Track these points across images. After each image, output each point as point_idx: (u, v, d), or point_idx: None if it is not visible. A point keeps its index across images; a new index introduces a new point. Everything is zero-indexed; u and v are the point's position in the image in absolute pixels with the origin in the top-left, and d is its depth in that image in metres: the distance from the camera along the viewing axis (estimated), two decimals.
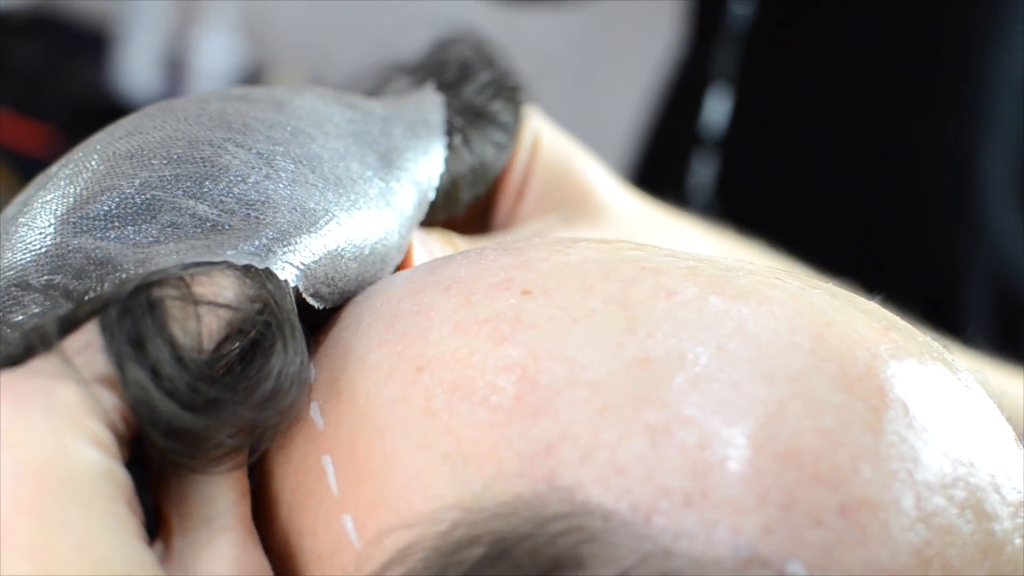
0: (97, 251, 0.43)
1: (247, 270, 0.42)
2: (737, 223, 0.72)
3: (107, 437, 0.38)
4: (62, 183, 0.46)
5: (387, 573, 0.38)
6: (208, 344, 0.40)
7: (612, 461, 0.37)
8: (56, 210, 0.45)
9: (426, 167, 0.50)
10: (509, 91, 0.55)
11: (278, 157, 0.46)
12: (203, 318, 0.40)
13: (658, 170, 1.30)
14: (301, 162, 0.46)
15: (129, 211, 0.44)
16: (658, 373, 0.39)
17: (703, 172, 1.21)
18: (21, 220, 0.45)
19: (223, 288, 0.41)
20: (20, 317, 0.42)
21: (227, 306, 0.41)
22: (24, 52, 2.22)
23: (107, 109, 1.98)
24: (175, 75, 2.25)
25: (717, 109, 1.21)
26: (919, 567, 0.37)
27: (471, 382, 0.40)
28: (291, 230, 0.44)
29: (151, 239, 0.43)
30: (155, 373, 0.39)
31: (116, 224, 0.43)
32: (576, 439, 0.38)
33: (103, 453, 0.38)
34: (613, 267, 0.42)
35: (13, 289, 0.43)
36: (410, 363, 0.41)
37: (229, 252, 0.42)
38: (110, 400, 0.38)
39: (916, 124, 1.14)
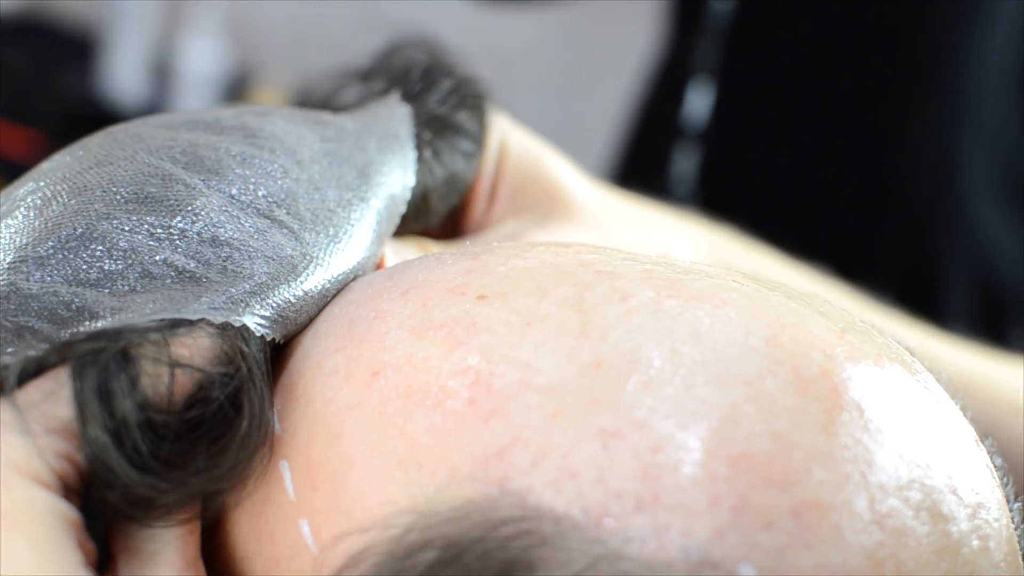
0: (73, 296, 0.42)
1: (224, 328, 0.42)
2: (718, 215, 0.72)
3: (52, 479, 0.39)
4: (31, 214, 0.45)
5: None
6: (176, 407, 0.40)
7: (564, 465, 0.37)
8: (23, 244, 0.44)
9: (399, 180, 0.50)
10: (472, 99, 0.55)
11: (251, 200, 0.45)
12: (177, 380, 0.40)
13: (641, 162, 1.31)
14: (276, 204, 0.46)
15: (105, 256, 0.43)
16: (611, 377, 0.38)
17: (685, 164, 1.21)
18: None
19: (200, 349, 0.41)
20: None
21: (201, 369, 0.41)
22: (12, 58, 2.22)
23: (95, 115, 1.98)
24: (162, 80, 2.25)
25: (698, 102, 1.21)
26: (872, 569, 0.37)
27: (425, 386, 0.40)
28: (268, 282, 0.44)
29: (127, 287, 0.42)
30: (118, 434, 0.39)
31: (93, 270, 0.43)
32: (528, 443, 0.38)
33: (48, 491, 0.38)
34: (569, 271, 0.42)
35: None
36: (365, 368, 0.41)
37: (206, 305, 0.42)
38: (64, 447, 0.39)
39: (897, 117, 1.14)
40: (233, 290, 0.43)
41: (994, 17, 1.12)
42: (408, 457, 0.39)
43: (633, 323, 0.40)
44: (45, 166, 0.47)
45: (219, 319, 0.42)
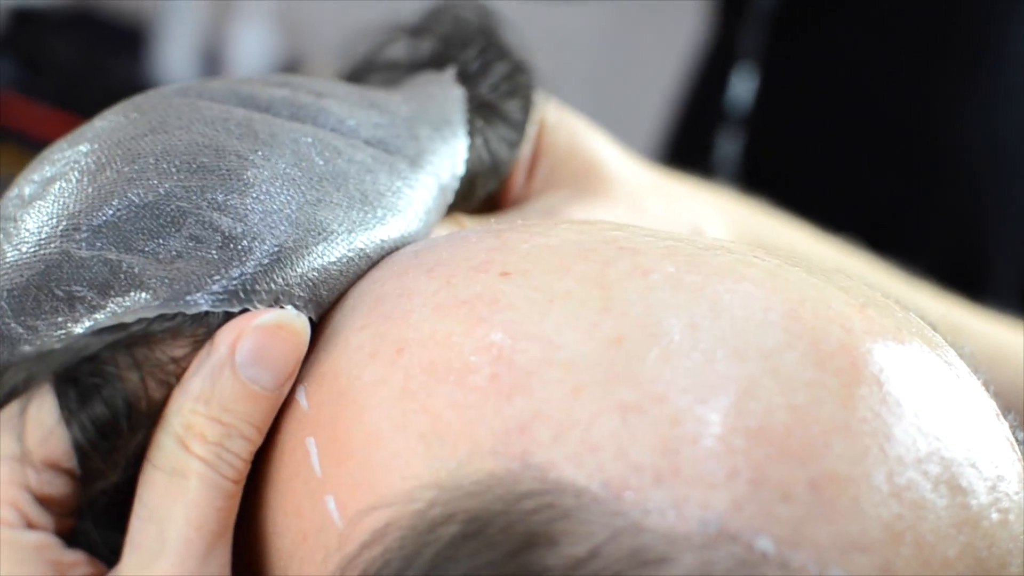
0: (122, 264, 0.43)
1: (226, 317, 0.43)
2: (761, 198, 0.73)
3: (10, 514, 0.40)
4: (85, 179, 0.45)
5: (366, 552, 0.39)
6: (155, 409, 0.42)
7: (585, 439, 0.38)
8: (76, 210, 0.44)
9: (449, 168, 0.50)
10: (524, 88, 0.56)
11: (302, 175, 0.46)
12: (147, 384, 0.42)
13: (686, 146, 1.31)
14: (327, 180, 0.46)
15: (155, 222, 0.44)
16: (631, 352, 0.39)
17: (728, 148, 1.21)
18: (30, 213, 0.45)
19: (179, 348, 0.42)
20: (42, 324, 0.43)
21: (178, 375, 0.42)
22: (63, 48, 2.24)
23: None
24: (211, 69, 2.26)
25: (743, 87, 1.21)
26: (890, 541, 0.37)
27: (448, 363, 0.40)
28: (303, 252, 0.44)
29: (174, 254, 0.43)
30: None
31: (141, 235, 0.43)
32: (549, 418, 0.38)
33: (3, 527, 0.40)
34: (591, 248, 0.43)
35: (33, 290, 0.43)
36: (390, 345, 0.42)
37: (216, 287, 0.43)
38: (18, 476, 0.41)
39: (941, 101, 1.13)
40: (261, 258, 0.44)
41: None
42: (431, 432, 0.39)
43: (653, 298, 0.40)
44: (99, 125, 0.48)
45: (220, 308, 0.43)
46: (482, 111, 0.53)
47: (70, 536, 0.42)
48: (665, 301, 0.40)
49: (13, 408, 0.41)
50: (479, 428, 0.39)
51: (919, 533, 0.37)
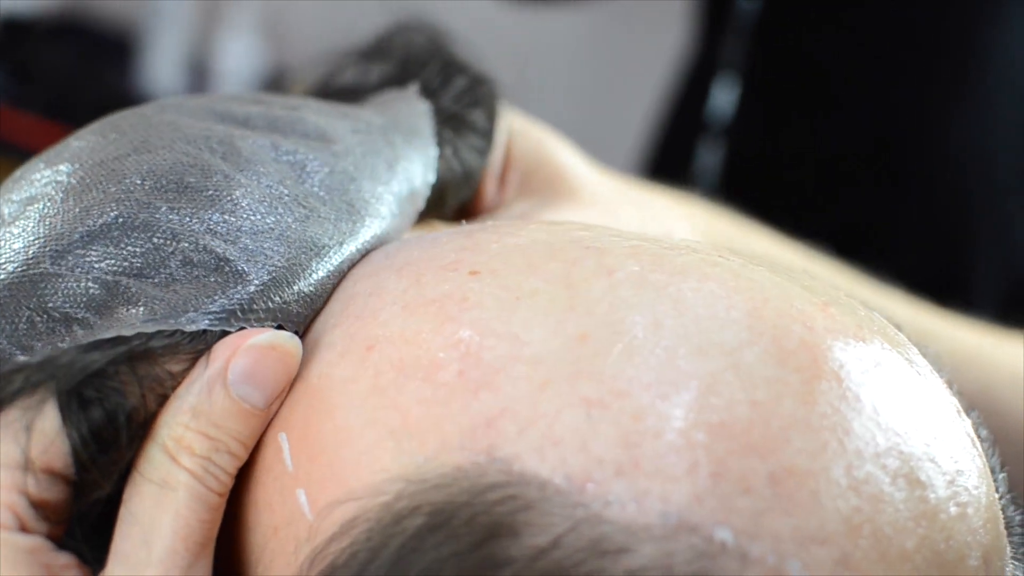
0: (119, 285, 0.43)
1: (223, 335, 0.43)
2: (742, 209, 0.73)
3: (5, 516, 0.41)
4: (71, 199, 0.45)
5: (334, 544, 0.40)
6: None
7: (549, 433, 0.38)
8: (62, 231, 0.44)
9: (420, 176, 0.51)
10: (486, 98, 0.57)
11: (289, 191, 0.46)
12: (146, 398, 0.42)
13: (667, 155, 1.32)
14: (312, 195, 0.47)
15: (147, 244, 0.44)
16: (596, 348, 0.40)
17: (709, 158, 1.22)
18: (12, 233, 0.45)
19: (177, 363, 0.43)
20: (38, 344, 0.43)
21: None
22: (51, 57, 2.24)
23: None
24: (199, 79, 2.27)
25: (723, 98, 1.22)
26: (849, 534, 0.37)
27: (417, 360, 0.41)
28: (298, 271, 0.45)
29: (170, 277, 0.44)
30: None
31: (135, 256, 0.44)
32: (516, 413, 0.39)
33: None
34: (559, 248, 0.44)
35: (27, 311, 0.43)
36: (361, 343, 0.43)
37: (214, 306, 0.43)
38: (15, 480, 0.41)
39: (922, 111, 1.14)
40: (258, 283, 0.44)
41: (1018, 16, 1.12)
42: (400, 428, 0.40)
43: (617, 297, 0.41)
44: (76, 145, 0.48)
45: (217, 327, 0.43)
46: (449, 122, 0.54)
47: (60, 542, 0.43)
48: (629, 299, 0.41)
49: (13, 414, 0.41)
50: (446, 423, 0.39)
51: (877, 526, 0.38)
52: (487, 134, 0.56)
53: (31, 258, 0.44)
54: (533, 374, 0.39)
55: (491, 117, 0.56)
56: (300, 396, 0.43)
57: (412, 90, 0.55)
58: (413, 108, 0.54)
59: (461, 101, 0.55)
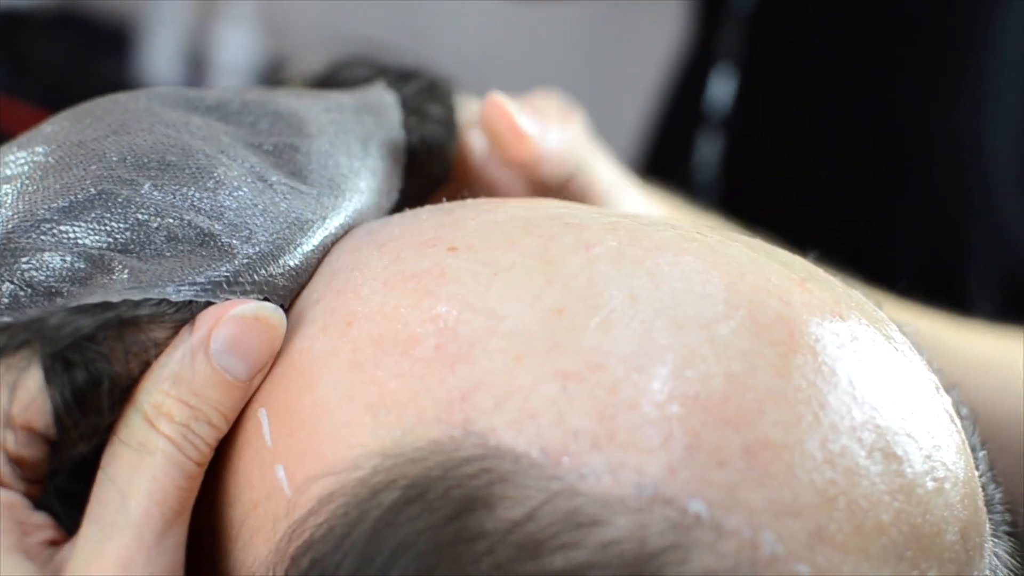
0: (103, 258, 0.43)
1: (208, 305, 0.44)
2: (741, 201, 0.73)
3: (3, 462, 0.41)
4: (50, 176, 0.45)
5: (312, 518, 0.40)
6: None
7: (524, 406, 0.38)
8: (48, 207, 0.44)
9: (392, 151, 0.52)
10: (444, 95, 0.57)
11: (270, 170, 0.47)
12: (130, 364, 0.42)
13: (666, 149, 1.31)
14: (293, 172, 0.47)
15: (131, 219, 0.44)
16: (572, 322, 0.40)
17: (708, 150, 1.22)
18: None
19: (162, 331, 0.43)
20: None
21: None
22: (48, 49, 2.24)
23: None
24: (196, 71, 2.27)
25: (722, 89, 1.22)
26: (823, 506, 0.37)
27: (395, 334, 0.41)
28: (284, 245, 0.45)
29: (153, 252, 0.44)
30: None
31: (119, 232, 0.44)
32: (491, 386, 0.39)
33: None
34: (537, 223, 0.44)
35: (10, 286, 0.43)
36: (340, 318, 0.43)
37: (200, 278, 0.44)
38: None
39: (919, 105, 1.14)
40: (244, 257, 0.44)
41: (1014, 11, 1.12)
42: (378, 402, 0.40)
43: (595, 271, 0.41)
44: (50, 129, 0.47)
45: (203, 298, 0.43)
46: (414, 113, 0.54)
47: (36, 502, 0.43)
48: (606, 273, 0.41)
49: None
50: (423, 397, 0.40)
51: (852, 499, 0.38)
52: (449, 123, 0.56)
53: (11, 231, 0.44)
54: (509, 348, 0.39)
55: (448, 110, 0.57)
56: (281, 371, 0.43)
57: (379, 84, 0.56)
58: (381, 97, 0.54)
59: (421, 95, 0.56)
